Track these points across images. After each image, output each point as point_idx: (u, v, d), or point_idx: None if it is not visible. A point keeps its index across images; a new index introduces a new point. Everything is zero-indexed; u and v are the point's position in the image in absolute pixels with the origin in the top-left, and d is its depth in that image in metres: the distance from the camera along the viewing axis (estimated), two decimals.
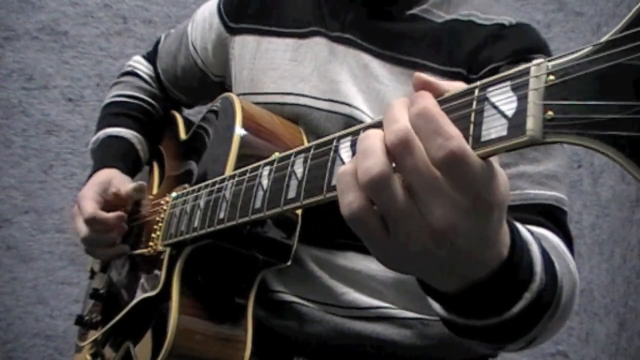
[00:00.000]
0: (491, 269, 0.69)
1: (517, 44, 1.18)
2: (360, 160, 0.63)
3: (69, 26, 2.46)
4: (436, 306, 0.79)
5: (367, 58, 1.24)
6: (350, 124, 1.17)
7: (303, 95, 1.26)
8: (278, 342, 1.23)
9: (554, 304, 0.83)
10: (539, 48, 1.20)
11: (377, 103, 1.20)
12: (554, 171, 1.12)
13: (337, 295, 1.20)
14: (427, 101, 0.61)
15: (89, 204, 1.35)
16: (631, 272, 2.51)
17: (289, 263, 1.18)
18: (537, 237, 0.83)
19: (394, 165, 0.62)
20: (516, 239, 0.72)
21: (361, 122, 1.17)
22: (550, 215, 1.09)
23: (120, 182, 1.41)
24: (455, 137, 0.57)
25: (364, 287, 1.20)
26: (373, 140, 0.62)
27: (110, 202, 1.39)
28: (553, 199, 1.10)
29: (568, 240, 1.07)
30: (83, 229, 1.35)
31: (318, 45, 1.29)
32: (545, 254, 0.82)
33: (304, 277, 1.21)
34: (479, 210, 0.61)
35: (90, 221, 1.33)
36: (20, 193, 2.43)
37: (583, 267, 2.53)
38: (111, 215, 1.35)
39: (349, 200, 0.64)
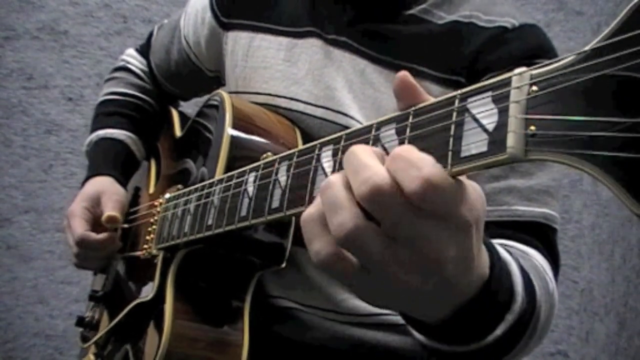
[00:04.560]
0: (474, 290, 0.67)
1: (518, 50, 1.12)
2: (330, 214, 0.60)
3: (69, 26, 2.46)
4: (417, 334, 0.77)
5: (363, 63, 1.19)
6: None
7: (296, 100, 1.22)
8: (277, 347, 1.21)
9: (532, 323, 0.82)
10: (543, 52, 1.14)
11: (373, 111, 1.16)
12: (545, 185, 1.08)
13: (337, 302, 1.18)
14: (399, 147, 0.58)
15: (79, 223, 1.34)
16: (631, 272, 2.50)
17: (283, 265, 1.16)
18: (515, 256, 0.81)
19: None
20: (494, 259, 0.70)
21: None
22: (538, 234, 1.06)
23: (108, 198, 1.38)
24: (427, 166, 0.54)
25: None
26: (337, 191, 0.60)
27: (98, 216, 1.37)
28: (542, 217, 1.07)
29: (554, 259, 1.05)
30: (74, 248, 1.35)
31: (313, 47, 1.24)
32: (524, 273, 0.81)
33: (303, 283, 1.19)
34: (459, 233, 0.58)
35: (81, 243, 1.33)
36: (20, 193, 2.43)
37: (583, 267, 2.53)
38: (102, 236, 1.34)
39: (317, 248, 0.62)
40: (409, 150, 0.56)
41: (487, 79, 1.08)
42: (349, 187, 0.59)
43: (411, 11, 1.20)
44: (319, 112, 1.19)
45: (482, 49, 1.13)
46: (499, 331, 0.74)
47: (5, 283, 2.42)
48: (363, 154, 0.59)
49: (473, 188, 0.59)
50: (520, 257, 0.88)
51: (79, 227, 1.33)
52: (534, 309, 0.82)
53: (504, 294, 0.73)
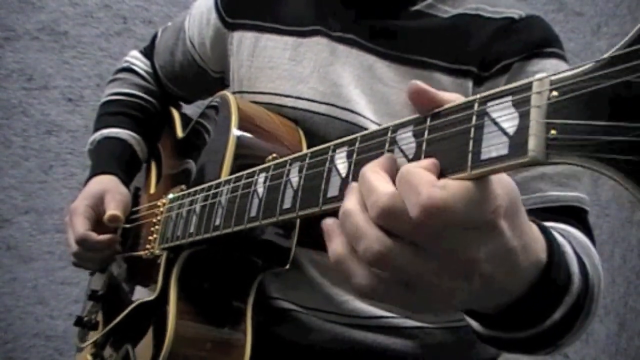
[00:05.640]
0: (532, 276, 0.68)
1: (529, 38, 1.15)
2: (355, 242, 0.61)
3: (69, 26, 2.45)
4: (474, 324, 0.78)
5: (371, 59, 1.20)
6: (353, 130, 1.15)
7: (302, 99, 1.23)
8: (278, 349, 1.21)
9: (587, 302, 0.83)
10: (551, 41, 1.17)
11: (382, 106, 1.17)
12: (573, 170, 1.10)
13: (339, 304, 1.18)
14: (405, 166, 0.59)
15: (80, 221, 1.34)
16: (631, 272, 2.51)
17: (287, 267, 1.17)
18: (566, 237, 0.83)
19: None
20: (553, 244, 0.71)
21: (364, 129, 1.15)
22: (575, 216, 1.07)
23: (112, 197, 1.38)
24: (422, 192, 0.55)
25: None
26: (355, 218, 0.61)
27: (101, 215, 1.37)
28: (575, 200, 1.09)
29: (591, 238, 1.05)
30: (73, 246, 1.35)
31: (319, 45, 1.25)
32: (576, 252, 0.82)
33: (304, 284, 1.19)
34: (484, 233, 0.59)
35: (81, 242, 1.33)
36: (20, 193, 2.42)
37: None
38: (103, 238, 1.34)
39: (357, 282, 0.62)
40: (412, 172, 0.57)
41: (503, 65, 1.12)
42: (365, 209, 0.61)
43: (416, 7, 1.22)
44: (322, 108, 1.20)
45: (492, 38, 1.16)
46: (557, 314, 0.75)
47: (5, 284, 2.41)
48: (370, 176, 0.61)
49: (496, 180, 0.59)
50: (569, 236, 0.90)
51: (81, 226, 1.33)
52: (588, 287, 0.83)
53: (563, 278, 0.74)
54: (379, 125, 1.14)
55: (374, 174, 0.61)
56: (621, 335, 2.48)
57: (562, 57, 1.17)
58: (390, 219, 0.58)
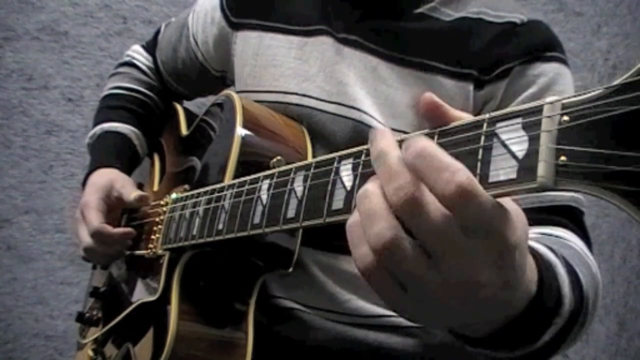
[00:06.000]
0: (520, 307, 0.66)
1: (530, 42, 1.16)
2: (367, 224, 0.58)
3: (69, 26, 2.44)
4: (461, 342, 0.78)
5: (374, 60, 1.21)
6: (359, 128, 1.16)
7: (308, 96, 1.23)
8: (279, 347, 1.21)
9: (582, 317, 0.82)
10: (552, 46, 1.18)
11: (386, 107, 1.18)
12: None
13: (341, 303, 1.19)
14: (423, 142, 0.55)
15: (95, 215, 1.33)
16: (631, 272, 2.51)
17: (290, 270, 1.17)
18: (560, 253, 0.81)
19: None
20: (542, 268, 0.70)
21: (370, 127, 1.15)
22: (570, 216, 1.08)
23: (121, 185, 1.38)
24: (462, 170, 0.52)
25: (368, 293, 1.18)
26: (375, 201, 0.58)
27: (112, 206, 1.37)
28: (572, 200, 1.09)
29: (587, 240, 1.06)
30: (87, 239, 1.34)
31: (324, 44, 1.25)
32: (570, 269, 0.81)
33: (306, 283, 1.20)
34: (499, 256, 0.57)
35: (96, 235, 1.32)
36: (20, 193, 2.41)
37: None
38: (118, 231, 1.33)
39: (361, 254, 0.60)
40: (438, 150, 0.54)
41: (503, 70, 1.12)
42: (386, 195, 0.58)
43: (419, 10, 1.23)
44: (331, 107, 1.21)
45: (492, 42, 1.17)
46: (547, 336, 0.75)
47: (5, 284, 2.41)
48: (393, 160, 0.58)
49: (515, 211, 0.58)
50: (561, 246, 0.89)
51: (95, 219, 1.33)
52: (582, 302, 0.82)
53: (552, 301, 0.73)
54: (384, 125, 1.15)
55: (396, 159, 0.58)
56: (621, 335, 2.48)
57: (563, 61, 1.17)
58: (414, 207, 0.55)
